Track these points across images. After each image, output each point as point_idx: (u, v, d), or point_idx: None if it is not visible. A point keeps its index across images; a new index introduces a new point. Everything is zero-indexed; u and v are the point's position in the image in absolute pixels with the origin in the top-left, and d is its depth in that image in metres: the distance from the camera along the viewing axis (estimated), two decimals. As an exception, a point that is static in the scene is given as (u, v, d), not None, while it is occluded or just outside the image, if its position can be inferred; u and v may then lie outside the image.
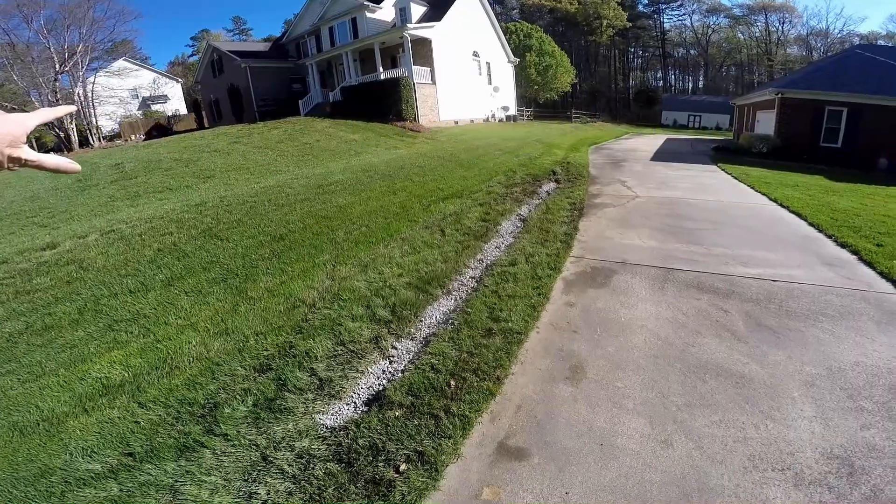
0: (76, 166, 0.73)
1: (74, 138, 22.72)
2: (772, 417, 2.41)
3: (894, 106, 14.03)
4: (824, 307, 3.63)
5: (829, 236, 5.50)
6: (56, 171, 0.72)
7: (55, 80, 22.80)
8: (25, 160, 0.68)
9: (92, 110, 25.66)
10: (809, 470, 2.06)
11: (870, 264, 4.53)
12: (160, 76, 37.73)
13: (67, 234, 6.35)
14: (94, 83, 26.07)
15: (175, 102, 37.59)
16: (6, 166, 0.67)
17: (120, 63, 30.04)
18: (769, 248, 5.08)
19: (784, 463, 2.11)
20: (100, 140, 25.18)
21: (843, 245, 5.15)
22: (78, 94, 24.20)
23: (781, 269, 4.43)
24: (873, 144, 14.37)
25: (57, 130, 22.82)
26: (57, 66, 22.68)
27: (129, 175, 10.70)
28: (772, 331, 3.28)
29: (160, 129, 29.17)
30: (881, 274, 4.27)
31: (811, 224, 6.08)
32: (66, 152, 21.68)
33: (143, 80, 34.70)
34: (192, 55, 66.58)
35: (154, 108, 35.08)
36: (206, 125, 30.88)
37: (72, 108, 0.84)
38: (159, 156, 12.54)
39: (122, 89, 29.07)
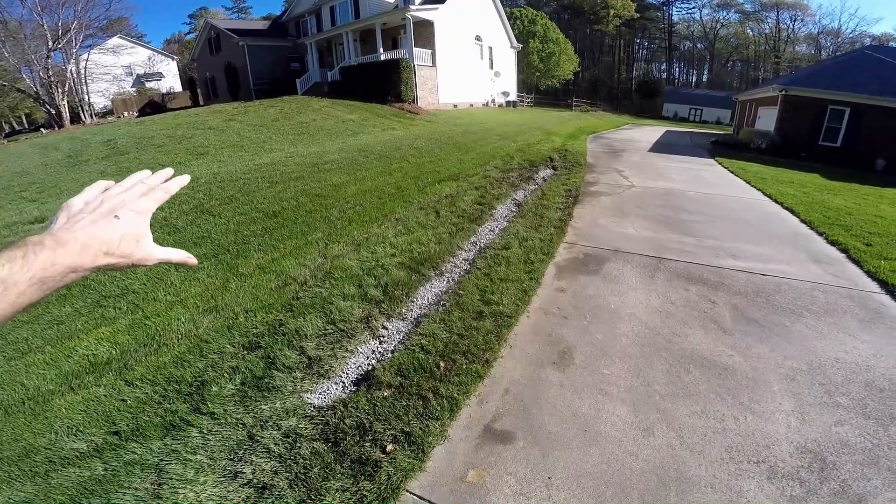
0: (194, 260, 0.66)
1: (66, 115, 22.38)
2: (751, 410, 2.44)
3: (897, 108, 13.96)
4: (810, 303, 3.66)
5: (821, 234, 5.53)
6: (182, 264, 0.65)
7: (48, 57, 22.37)
8: (145, 263, 0.58)
9: (84, 87, 25.24)
10: (783, 463, 2.10)
11: (857, 263, 4.56)
12: (155, 53, 37.04)
13: (56, 208, 6.24)
14: (87, 60, 25.59)
15: (170, 80, 36.99)
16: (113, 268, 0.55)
17: (115, 40, 29.51)
18: (760, 243, 5.10)
19: (760, 456, 2.14)
20: (91, 116, 24.82)
21: (833, 243, 5.18)
22: (70, 70, 23.77)
23: (771, 264, 4.46)
24: (872, 145, 14.34)
25: (48, 107, 22.47)
26: (50, 43, 22.23)
27: (120, 151, 10.54)
28: (757, 324, 3.31)
29: (154, 106, 28.73)
30: (868, 273, 4.31)
31: (803, 221, 6.10)
32: (56, 129, 21.34)
33: (138, 57, 34.11)
34: (188, 33, 65.38)
35: (148, 85, 34.54)
36: (202, 103, 30.40)
37: (185, 181, 0.67)
38: (152, 132, 12.35)
39: (116, 66, 28.60)
